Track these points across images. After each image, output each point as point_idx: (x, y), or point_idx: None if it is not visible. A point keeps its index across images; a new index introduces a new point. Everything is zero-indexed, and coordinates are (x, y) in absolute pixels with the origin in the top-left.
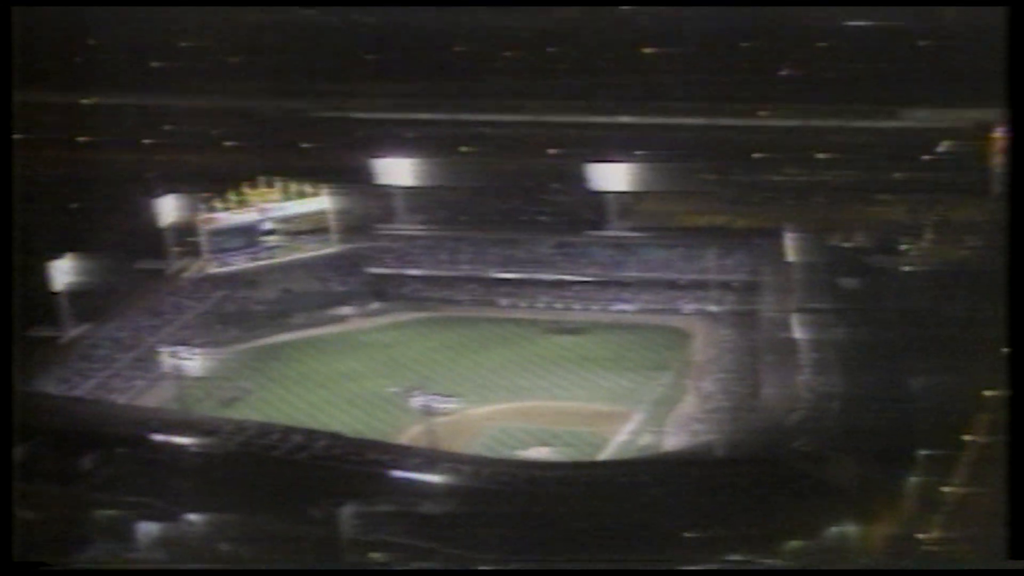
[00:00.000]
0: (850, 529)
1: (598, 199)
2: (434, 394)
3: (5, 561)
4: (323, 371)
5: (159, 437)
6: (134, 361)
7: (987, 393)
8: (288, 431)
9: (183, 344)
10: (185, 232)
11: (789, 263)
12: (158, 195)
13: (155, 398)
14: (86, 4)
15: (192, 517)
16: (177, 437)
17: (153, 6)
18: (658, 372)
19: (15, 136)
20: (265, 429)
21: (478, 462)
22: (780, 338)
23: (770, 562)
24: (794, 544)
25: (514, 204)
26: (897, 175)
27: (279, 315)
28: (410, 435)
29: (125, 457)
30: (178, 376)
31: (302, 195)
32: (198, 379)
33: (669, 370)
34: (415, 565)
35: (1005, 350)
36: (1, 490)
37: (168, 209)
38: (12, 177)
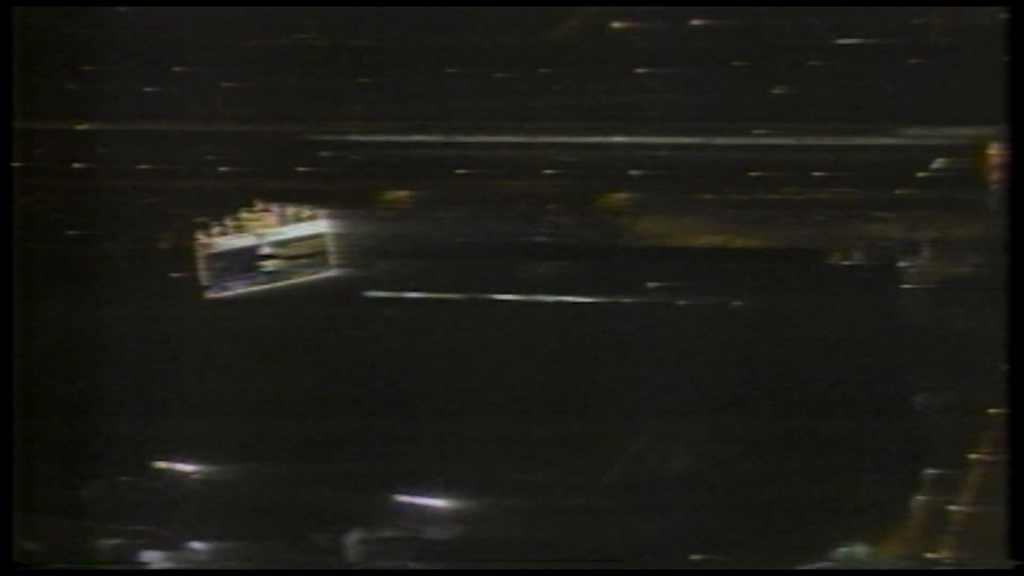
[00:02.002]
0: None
1: (594, 219)
2: None
3: (5, 561)
4: None
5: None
6: None
7: (991, 411)
8: None
9: None
10: (182, 258)
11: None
12: (153, 221)
13: None
14: (86, 4)
15: (195, 545)
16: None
17: (151, 6)
18: None
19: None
20: None
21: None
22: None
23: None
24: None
25: (511, 225)
26: (893, 192)
27: None
28: None
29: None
30: None
31: (299, 219)
32: None
33: None
34: (415, 565)
35: (1006, 362)
36: (1, 490)
37: (164, 235)
38: (12, 176)
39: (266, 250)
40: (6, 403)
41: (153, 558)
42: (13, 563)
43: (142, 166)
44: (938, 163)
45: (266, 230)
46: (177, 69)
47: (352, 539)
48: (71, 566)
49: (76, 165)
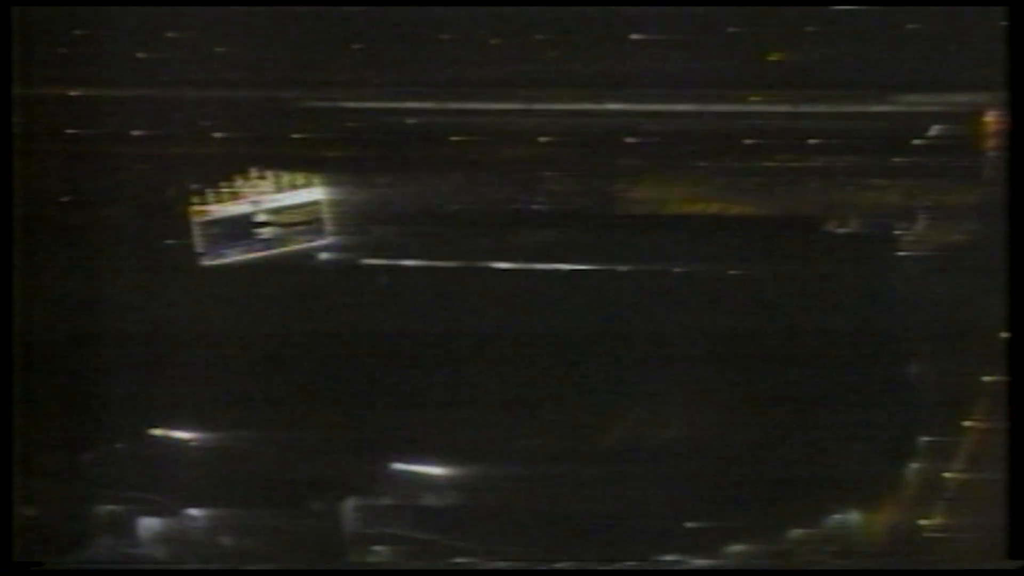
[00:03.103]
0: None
1: (590, 186)
2: None
3: (5, 561)
4: None
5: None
6: None
7: (986, 379)
8: None
9: None
10: (177, 225)
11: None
12: (148, 187)
13: None
14: (86, 4)
15: (192, 512)
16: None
17: (148, 5)
18: None
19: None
20: None
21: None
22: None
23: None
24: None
25: (506, 193)
26: (889, 160)
27: None
28: None
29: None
30: None
31: (294, 186)
32: None
33: None
34: (416, 565)
35: (1004, 349)
36: (1, 490)
37: (159, 202)
38: (12, 174)
39: (261, 217)
40: (6, 404)
41: (150, 524)
42: (13, 563)
43: (136, 132)
44: (935, 130)
45: (261, 197)
46: (170, 35)
47: (348, 506)
48: (71, 566)
49: (70, 131)
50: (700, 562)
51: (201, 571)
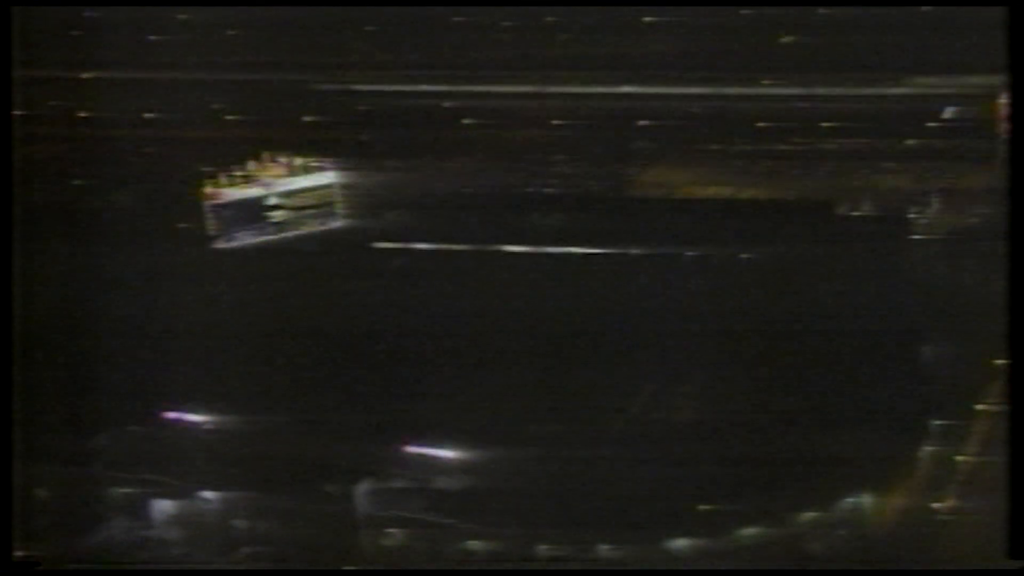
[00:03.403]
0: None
1: (602, 170)
2: None
3: (5, 561)
4: None
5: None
6: None
7: (997, 362)
8: None
9: None
10: (189, 208)
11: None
12: (160, 171)
13: None
14: (86, 4)
15: (206, 494)
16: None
17: (153, 6)
18: None
19: (15, 113)
20: None
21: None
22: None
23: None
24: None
25: (519, 176)
26: (902, 143)
27: None
28: None
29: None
30: None
31: (307, 169)
32: None
33: None
34: (416, 566)
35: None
36: (1, 489)
37: (170, 185)
38: (11, 172)
39: (273, 200)
40: (6, 402)
41: (163, 506)
42: (13, 563)
43: (147, 115)
44: (949, 112)
45: (273, 180)
46: (181, 17)
47: (361, 489)
48: (71, 566)
49: (81, 114)
50: (700, 562)
51: (201, 571)
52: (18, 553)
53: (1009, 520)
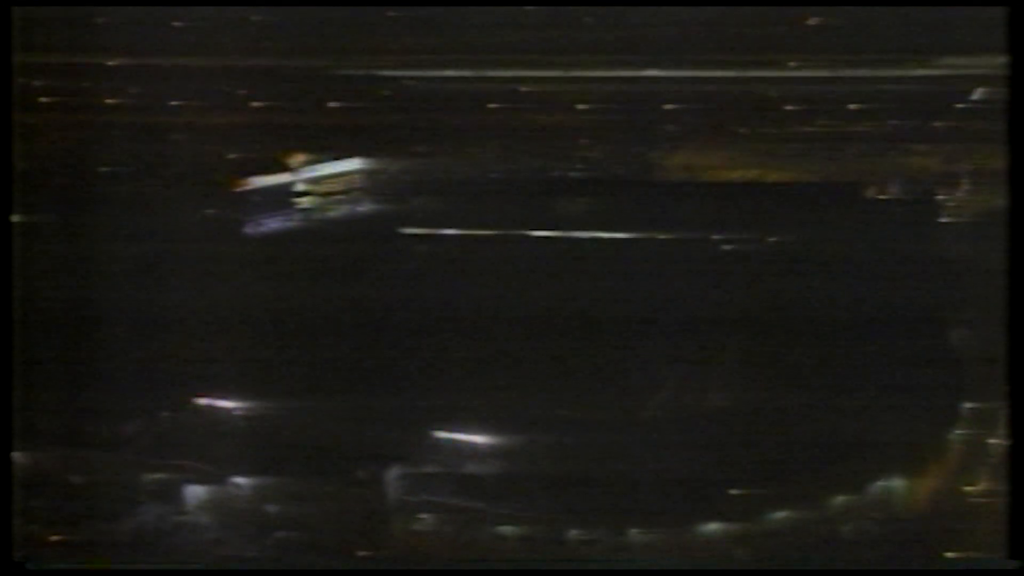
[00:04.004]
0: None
1: (628, 153)
2: None
3: (5, 561)
4: None
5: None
6: None
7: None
8: None
9: None
10: (217, 195)
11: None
12: (186, 158)
13: None
14: (87, 4)
15: (238, 480)
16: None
17: (157, 6)
18: None
19: (41, 100)
20: None
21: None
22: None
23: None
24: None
25: (544, 161)
26: (930, 124)
27: None
28: None
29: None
30: None
31: (333, 155)
32: None
33: None
34: (416, 566)
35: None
36: (1, 490)
37: (198, 172)
38: (11, 171)
39: (300, 187)
40: (6, 403)
41: (196, 491)
42: (13, 563)
43: (174, 102)
44: (977, 94)
45: (300, 167)
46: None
47: (392, 474)
48: (71, 566)
49: (109, 101)
50: (730, 545)
51: (201, 571)
52: (53, 538)
53: (1009, 520)
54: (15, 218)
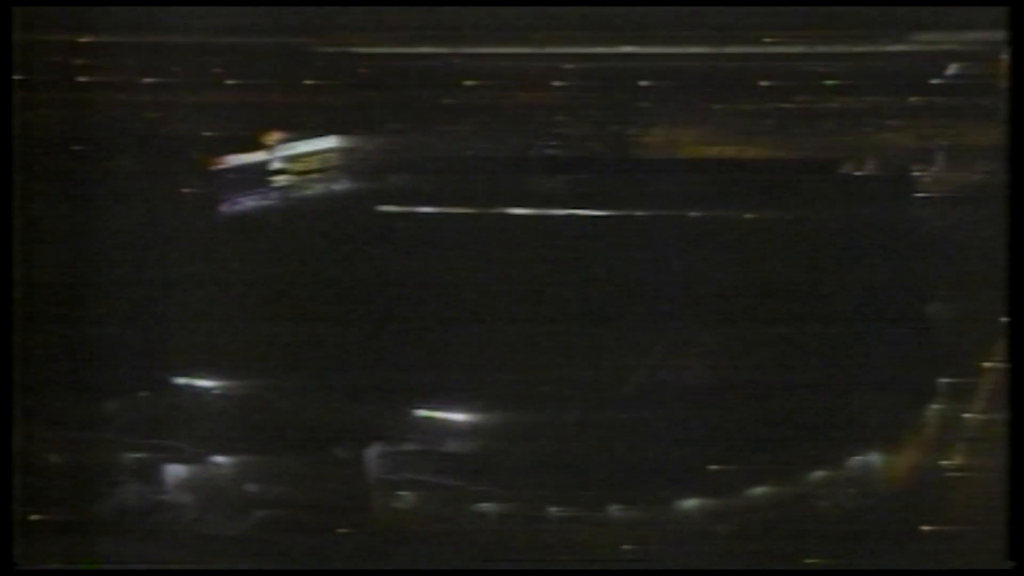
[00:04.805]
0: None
1: (604, 131)
2: None
3: (5, 561)
4: None
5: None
6: None
7: (1003, 319)
8: None
9: None
10: (192, 173)
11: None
12: (161, 136)
13: None
14: (87, 4)
15: (217, 458)
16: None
17: (155, 5)
18: None
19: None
20: None
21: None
22: None
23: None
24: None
25: (521, 138)
26: (906, 100)
27: None
28: None
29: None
30: None
31: (308, 133)
32: None
33: None
34: (417, 566)
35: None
36: (1, 490)
37: (173, 150)
38: (11, 170)
39: (276, 165)
40: (6, 401)
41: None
42: (13, 563)
43: (147, 80)
44: (952, 69)
45: (276, 145)
46: None
47: (371, 453)
48: (71, 566)
49: (80, 79)
50: (709, 521)
51: (201, 571)
52: (33, 518)
53: (1009, 520)
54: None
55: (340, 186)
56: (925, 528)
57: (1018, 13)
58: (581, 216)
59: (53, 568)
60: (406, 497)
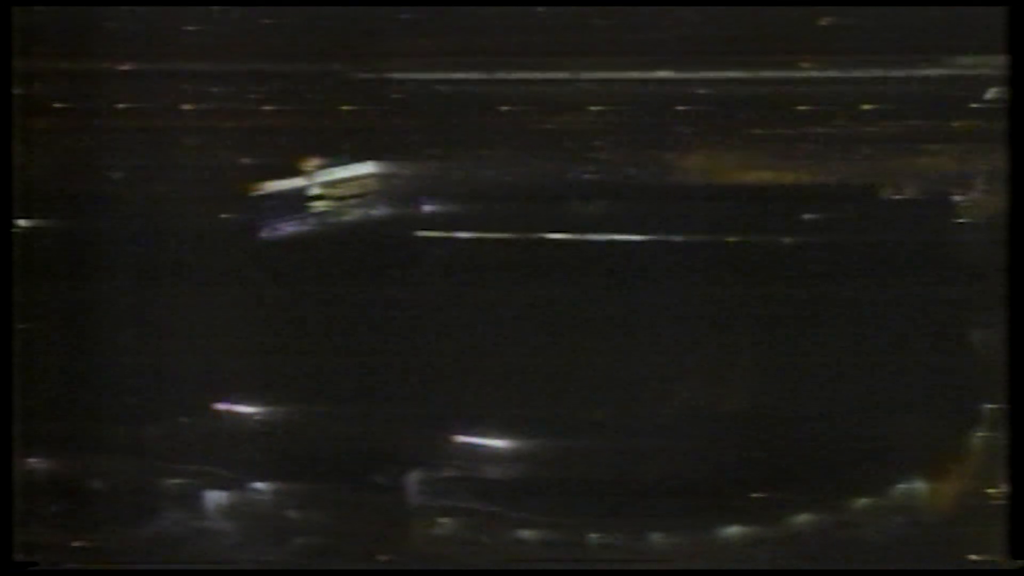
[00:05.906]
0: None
1: (641, 155)
2: None
3: (5, 561)
4: None
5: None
6: None
7: None
8: None
9: None
10: (231, 199)
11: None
12: (199, 162)
13: None
14: (87, 4)
15: (258, 485)
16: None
17: (158, 6)
18: None
19: (56, 105)
20: None
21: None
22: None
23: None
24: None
25: (558, 164)
26: (946, 124)
27: None
28: None
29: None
30: None
31: (347, 159)
32: None
33: None
34: (417, 565)
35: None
36: (1, 490)
37: (211, 176)
38: (11, 170)
39: (315, 190)
40: (6, 405)
41: (216, 497)
42: (13, 563)
43: (186, 106)
44: (991, 93)
45: (314, 170)
46: (215, 8)
47: (412, 479)
48: (70, 566)
49: (120, 106)
50: (752, 549)
51: (201, 571)
52: (76, 544)
53: (1009, 520)
54: (21, 223)
55: (378, 211)
56: (972, 557)
57: (1018, 13)
58: (619, 241)
59: (55, 568)
60: (446, 523)
